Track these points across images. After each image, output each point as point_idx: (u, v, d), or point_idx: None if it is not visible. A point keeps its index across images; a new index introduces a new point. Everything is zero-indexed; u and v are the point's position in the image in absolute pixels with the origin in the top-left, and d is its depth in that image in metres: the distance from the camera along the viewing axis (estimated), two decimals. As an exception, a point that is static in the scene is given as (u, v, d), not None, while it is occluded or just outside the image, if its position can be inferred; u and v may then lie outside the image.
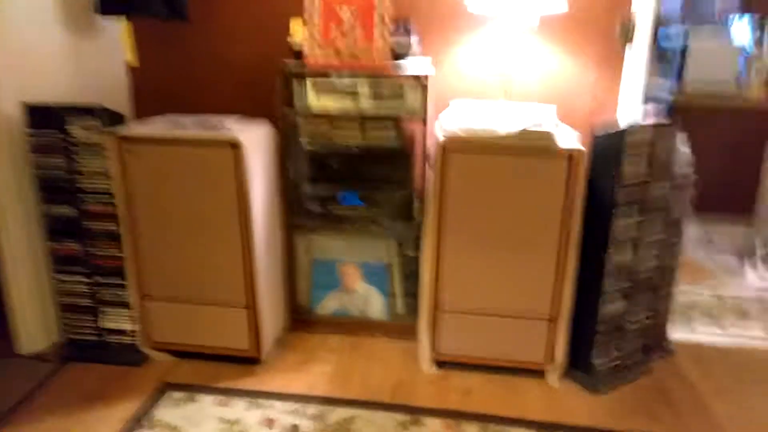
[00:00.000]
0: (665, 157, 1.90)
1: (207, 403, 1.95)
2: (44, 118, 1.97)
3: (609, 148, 1.84)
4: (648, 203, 1.93)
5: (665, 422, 1.91)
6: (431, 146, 2.01)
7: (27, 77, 2.07)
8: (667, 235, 2.04)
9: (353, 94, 2.16)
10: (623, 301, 2.01)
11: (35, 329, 2.21)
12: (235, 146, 1.90)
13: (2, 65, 1.96)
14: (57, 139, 1.99)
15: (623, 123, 1.83)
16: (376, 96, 2.16)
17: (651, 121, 1.84)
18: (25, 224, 2.11)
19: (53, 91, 2.18)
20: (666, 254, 2.08)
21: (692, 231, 3.44)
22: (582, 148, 1.82)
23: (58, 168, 2.01)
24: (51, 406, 1.93)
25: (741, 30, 3.97)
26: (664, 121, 1.87)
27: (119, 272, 2.10)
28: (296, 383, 2.07)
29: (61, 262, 2.12)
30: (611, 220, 1.87)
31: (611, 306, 1.99)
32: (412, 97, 2.14)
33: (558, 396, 2.03)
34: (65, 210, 2.06)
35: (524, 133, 1.83)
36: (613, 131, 1.84)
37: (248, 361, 2.16)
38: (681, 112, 3.19)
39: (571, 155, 1.82)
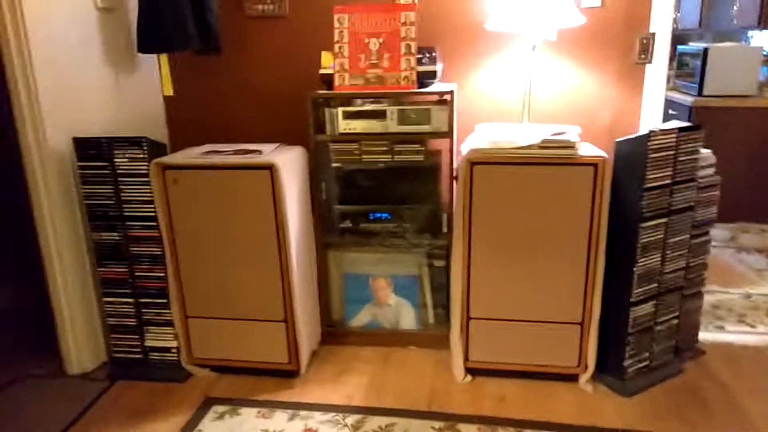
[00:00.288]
0: (688, 160, 1.96)
1: (250, 415, 2.03)
2: (93, 151, 2.11)
3: (632, 154, 1.91)
4: (673, 206, 1.98)
5: (698, 423, 1.93)
6: (458, 162, 2.09)
7: (75, 113, 2.22)
8: (693, 236, 2.09)
9: (381, 118, 2.27)
10: (651, 304, 2.06)
11: (84, 350, 2.32)
12: (271, 169, 2.01)
13: (53, 103, 2.11)
14: (105, 170, 2.12)
15: (645, 130, 1.89)
16: (403, 118, 2.26)
17: (673, 125, 1.90)
18: (75, 250, 2.24)
19: (97, 125, 2.32)
20: (693, 256, 2.13)
21: (720, 234, 3.46)
22: (605, 155, 1.89)
23: (106, 197, 2.14)
24: (102, 422, 2.03)
25: (760, 41, 4.02)
26: (685, 125, 1.93)
27: (163, 293, 2.21)
28: (334, 394, 2.14)
29: (109, 285, 2.24)
30: (637, 225, 1.93)
31: (640, 309, 2.04)
32: (437, 117, 2.23)
33: (590, 400, 2.07)
34: (112, 236, 2.18)
35: (546, 142, 1.91)
36: (636, 137, 1.90)
37: (287, 374, 2.24)
38: (702, 117, 3.26)
39: (594, 163, 1.89)
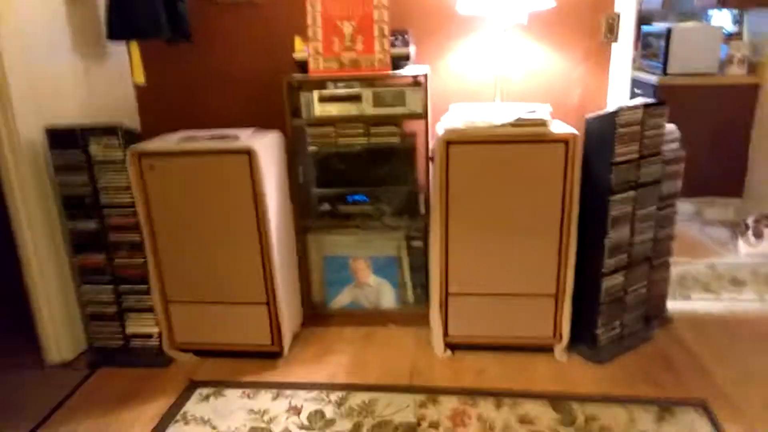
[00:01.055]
0: (654, 135, 2.04)
1: (234, 396, 2.06)
2: (66, 140, 2.09)
3: (601, 131, 1.98)
4: (640, 180, 2.06)
5: (667, 387, 2.03)
6: (433, 142, 2.13)
7: (45, 102, 2.19)
8: (660, 209, 2.18)
9: (356, 101, 2.29)
10: (622, 274, 2.14)
11: (63, 339, 2.31)
12: (249, 154, 2.02)
13: (24, 92, 2.08)
14: (78, 159, 2.10)
15: (613, 106, 1.96)
16: (378, 101, 2.29)
17: (638, 102, 1.97)
18: (51, 240, 2.22)
19: (68, 113, 2.29)
20: (660, 227, 2.21)
21: (686, 208, 3.59)
22: (575, 131, 1.95)
23: (81, 185, 2.13)
24: (85, 409, 2.03)
25: (720, 20, 4.14)
26: (651, 101, 2.00)
27: (143, 279, 2.21)
28: (317, 373, 2.18)
29: (87, 274, 2.23)
30: (607, 199, 2.00)
31: (611, 279, 2.12)
32: (412, 99, 2.27)
33: (565, 369, 2.16)
34: (89, 224, 2.17)
35: (519, 121, 1.96)
36: (604, 114, 1.97)
37: (270, 355, 2.27)
38: (667, 95, 3.35)
39: (565, 139, 1.95)
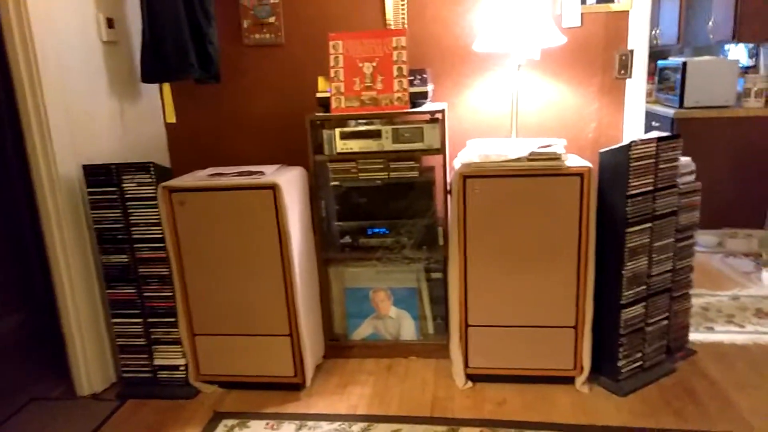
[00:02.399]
0: (668, 167, 2.07)
1: (259, 427, 2.09)
2: (101, 176, 2.20)
3: (616, 164, 2.02)
4: (657, 211, 2.09)
5: (691, 419, 2.01)
6: (451, 176, 2.20)
7: (83, 141, 2.32)
8: (678, 240, 2.20)
9: (376, 137, 2.38)
10: (641, 305, 2.15)
11: (94, 371, 2.38)
12: (274, 189, 2.10)
13: (63, 131, 2.21)
14: (113, 195, 2.21)
15: (626, 140, 2.01)
16: (397, 137, 2.38)
17: (653, 136, 2.01)
18: (84, 273, 2.31)
19: (104, 151, 2.42)
20: (678, 258, 2.23)
21: (707, 240, 3.57)
22: (590, 165, 2.00)
23: (115, 221, 2.23)
24: (115, 440, 2.09)
25: (736, 54, 4.19)
26: (664, 134, 2.05)
27: (171, 312, 2.28)
28: (339, 405, 2.21)
29: (118, 307, 2.31)
30: (624, 230, 2.03)
31: (630, 311, 2.13)
32: (430, 135, 2.35)
33: (587, 400, 2.15)
34: (121, 258, 2.26)
35: (534, 155, 2.02)
36: (618, 147, 2.02)
37: (293, 387, 2.31)
38: (684, 128, 3.39)
39: (580, 173, 2.00)
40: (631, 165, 1.97)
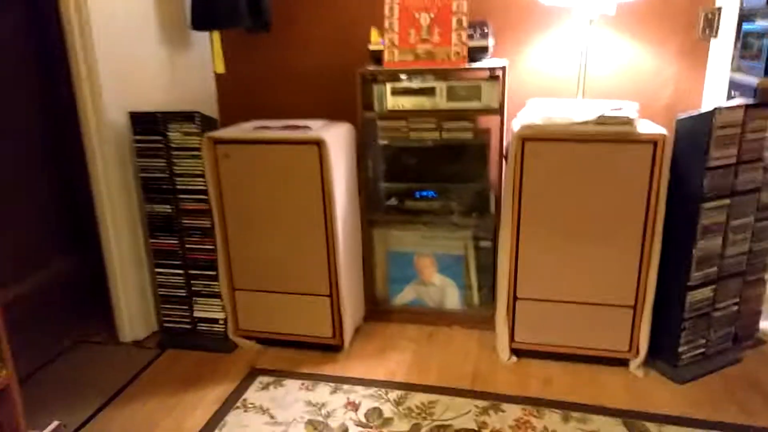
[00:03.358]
0: (756, 138, 1.86)
1: (294, 387, 2.06)
2: (147, 125, 2.16)
3: (695, 132, 1.82)
4: (737, 187, 1.89)
5: (757, 413, 1.85)
6: (507, 140, 2.05)
7: (132, 89, 2.27)
8: (758, 220, 1.99)
9: (430, 94, 2.24)
10: (710, 288, 1.97)
11: (136, 319, 2.40)
12: (319, 145, 2.01)
13: (112, 78, 2.17)
14: (159, 144, 2.17)
15: (709, 106, 1.80)
16: (453, 95, 2.23)
17: (739, 102, 1.80)
18: (130, 223, 2.31)
19: (152, 100, 2.37)
20: (756, 240, 2.02)
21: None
22: (665, 132, 1.81)
23: (160, 170, 2.19)
24: (152, 388, 2.09)
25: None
26: (754, 101, 1.83)
27: (212, 265, 2.25)
28: (377, 370, 2.15)
29: (160, 257, 2.30)
30: (698, 206, 1.84)
31: (698, 293, 1.95)
32: (488, 94, 2.19)
33: (641, 385, 2.01)
34: (165, 208, 2.23)
35: (603, 119, 1.84)
36: (700, 113, 1.82)
37: (330, 348, 2.26)
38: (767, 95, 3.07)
39: (654, 140, 1.82)
40: (714, 134, 1.77)
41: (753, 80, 3.34)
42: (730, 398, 1.92)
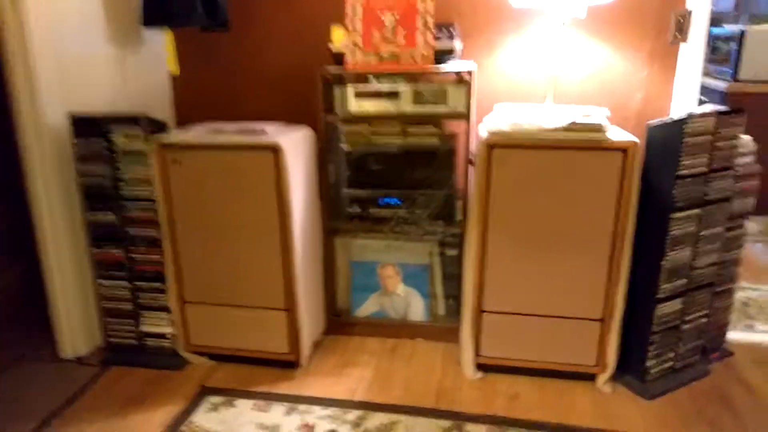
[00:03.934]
0: (727, 146, 1.80)
1: (246, 407, 1.93)
2: (89, 128, 2.00)
3: (665, 140, 1.76)
4: (708, 196, 1.83)
5: (726, 429, 1.80)
6: (475, 145, 1.96)
7: (75, 88, 2.11)
8: (728, 229, 1.94)
9: (394, 98, 2.14)
10: (680, 300, 1.91)
11: (78, 334, 2.24)
12: (275, 150, 1.89)
13: (52, 77, 2.00)
14: (101, 148, 2.01)
15: (681, 113, 1.74)
16: (418, 98, 2.13)
17: (710, 110, 1.73)
18: (70, 231, 2.14)
19: (100, 101, 2.22)
20: (725, 250, 1.97)
21: (749, 226, 3.27)
22: (636, 139, 1.74)
23: (102, 176, 2.04)
24: (94, 409, 1.94)
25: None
26: (725, 108, 1.76)
27: (159, 277, 2.11)
28: (336, 387, 2.03)
29: (104, 268, 2.14)
30: (668, 216, 1.78)
31: (666, 306, 1.89)
32: (454, 98, 2.10)
33: (609, 401, 1.94)
34: (108, 217, 2.08)
35: (573, 126, 1.76)
36: (671, 121, 1.75)
37: (287, 364, 2.13)
38: (736, 103, 3.06)
39: (624, 147, 1.74)
40: (685, 141, 1.70)
41: (721, 84, 3.34)
42: (698, 414, 1.87)
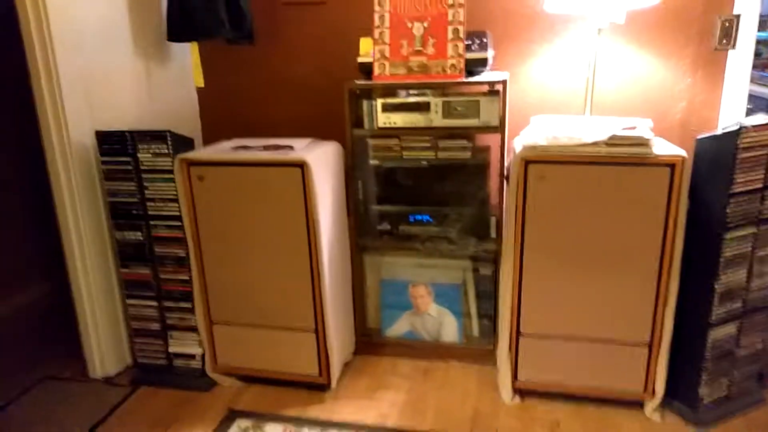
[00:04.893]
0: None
1: (276, 432, 1.88)
2: (116, 145, 1.98)
3: (717, 154, 1.64)
4: (764, 214, 1.70)
5: (789, 465, 1.67)
6: (509, 160, 1.87)
7: (102, 104, 2.10)
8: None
9: (424, 111, 2.07)
10: (734, 325, 1.79)
11: (108, 353, 2.21)
12: (303, 167, 1.83)
13: (78, 94, 2.00)
14: (128, 166, 1.99)
15: (733, 125, 1.62)
16: (449, 111, 2.05)
17: (765, 120, 1.61)
18: (99, 250, 2.12)
19: (128, 118, 2.20)
20: (783, 270, 1.84)
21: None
22: (684, 154, 1.63)
23: (129, 194, 2.01)
24: (123, 430, 1.91)
25: None
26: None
27: (187, 297, 2.07)
28: (367, 412, 1.96)
29: (132, 287, 2.12)
30: (721, 235, 1.66)
31: (720, 330, 1.77)
32: (487, 110, 2.02)
33: (658, 429, 1.82)
34: (136, 235, 2.05)
35: (614, 139, 1.66)
36: (723, 133, 1.64)
37: (317, 387, 2.07)
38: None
39: (672, 162, 1.63)
40: (739, 156, 1.59)
41: (766, 91, 3.18)
42: (757, 447, 1.74)
